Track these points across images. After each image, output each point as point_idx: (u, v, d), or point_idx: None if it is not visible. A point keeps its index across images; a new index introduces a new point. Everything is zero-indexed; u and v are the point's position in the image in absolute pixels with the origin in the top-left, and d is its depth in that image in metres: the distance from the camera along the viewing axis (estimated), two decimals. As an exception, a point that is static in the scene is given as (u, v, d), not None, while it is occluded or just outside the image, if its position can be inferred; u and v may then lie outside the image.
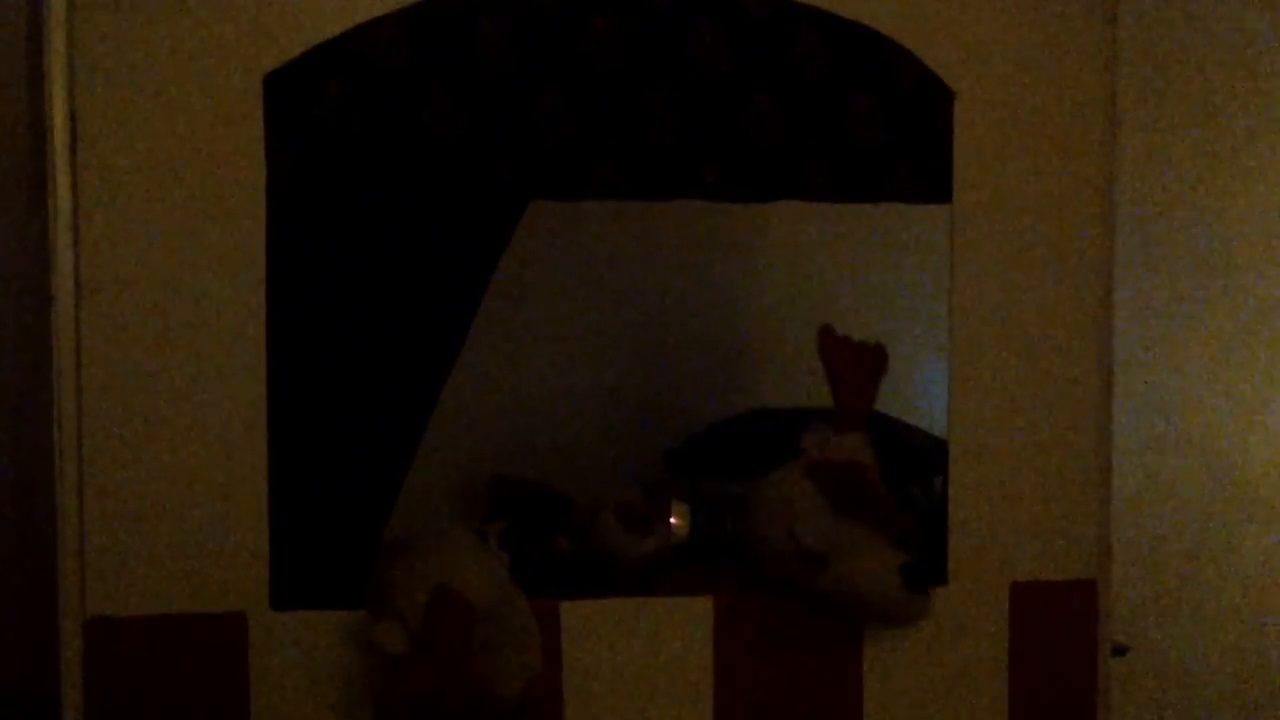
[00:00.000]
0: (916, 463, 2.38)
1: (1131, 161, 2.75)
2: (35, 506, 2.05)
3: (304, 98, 1.96)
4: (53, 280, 1.89)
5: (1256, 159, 2.97)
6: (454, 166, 2.03)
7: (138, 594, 1.90)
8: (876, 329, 2.29)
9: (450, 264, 2.13)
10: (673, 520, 2.26)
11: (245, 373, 1.93)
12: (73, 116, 1.88)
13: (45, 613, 1.92)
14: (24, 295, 2.10)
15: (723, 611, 2.09)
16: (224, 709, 1.93)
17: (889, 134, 2.19)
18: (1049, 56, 2.17)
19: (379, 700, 1.82)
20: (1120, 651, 2.26)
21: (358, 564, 1.97)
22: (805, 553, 2.07)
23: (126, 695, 1.90)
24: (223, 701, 1.93)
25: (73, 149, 1.89)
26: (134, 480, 1.90)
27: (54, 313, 1.89)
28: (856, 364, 2.21)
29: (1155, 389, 2.94)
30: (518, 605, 1.94)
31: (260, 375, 1.93)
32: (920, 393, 2.60)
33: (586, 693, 2.04)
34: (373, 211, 2.08)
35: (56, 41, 1.87)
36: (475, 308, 2.15)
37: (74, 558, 1.89)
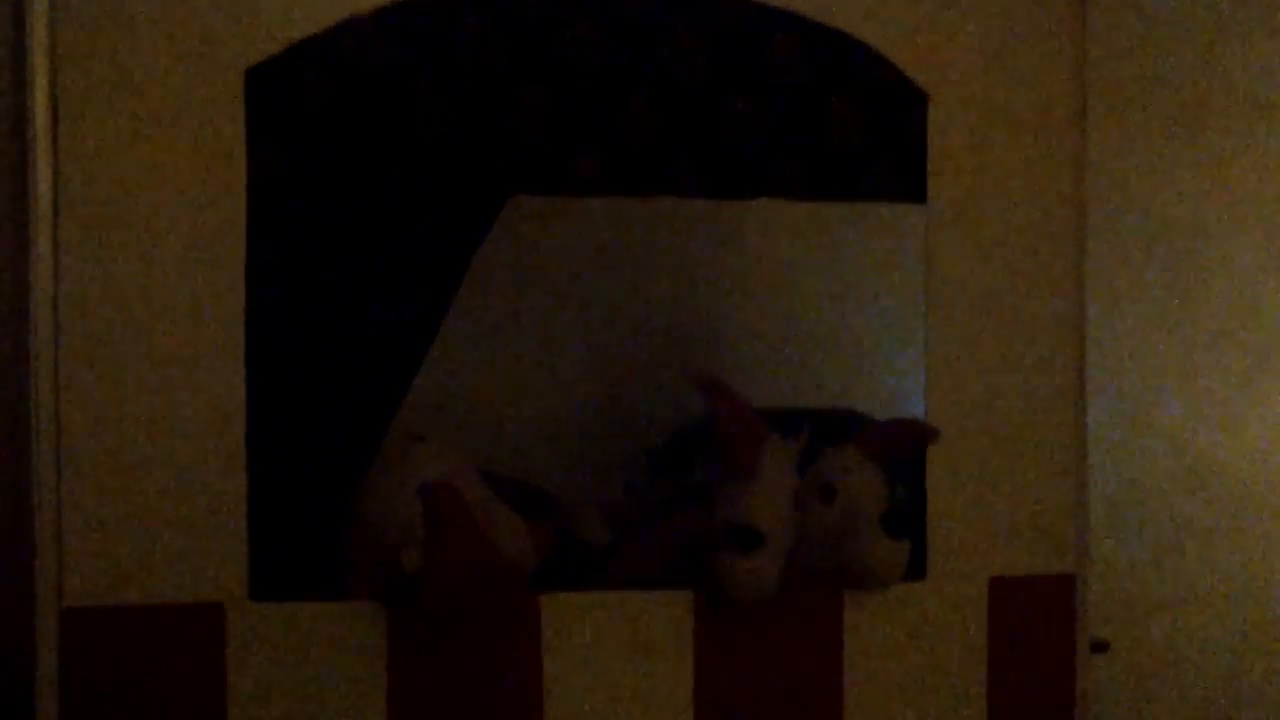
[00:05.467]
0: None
1: (1103, 163, 2.78)
2: (11, 495, 2.03)
3: (286, 93, 1.98)
4: (32, 271, 1.89)
5: (1229, 161, 3.00)
6: (435, 162, 2.05)
7: (115, 584, 1.89)
8: (853, 326, 2.31)
9: (427, 258, 2.14)
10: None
11: (224, 364, 1.93)
12: (54, 110, 1.89)
13: (21, 602, 1.90)
14: (2, 286, 2.09)
15: (703, 604, 2.09)
16: (202, 700, 1.91)
17: (865, 135, 2.22)
18: (1020, 60, 2.21)
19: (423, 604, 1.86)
20: (1101, 648, 2.27)
21: (336, 555, 1.97)
22: (821, 486, 2.11)
23: (103, 686, 1.89)
24: (200, 692, 1.91)
25: (54, 142, 1.89)
26: (112, 470, 1.89)
27: (32, 303, 1.89)
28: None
29: (1130, 389, 2.96)
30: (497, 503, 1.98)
31: (239, 366, 1.93)
32: (897, 390, 2.60)
33: (567, 685, 2.03)
34: (353, 206, 2.09)
35: (39, 34, 1.88)
36: (449, 301, 2.16)
37: (51, 547, 1.87)
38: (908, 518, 2.09)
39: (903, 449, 2.18)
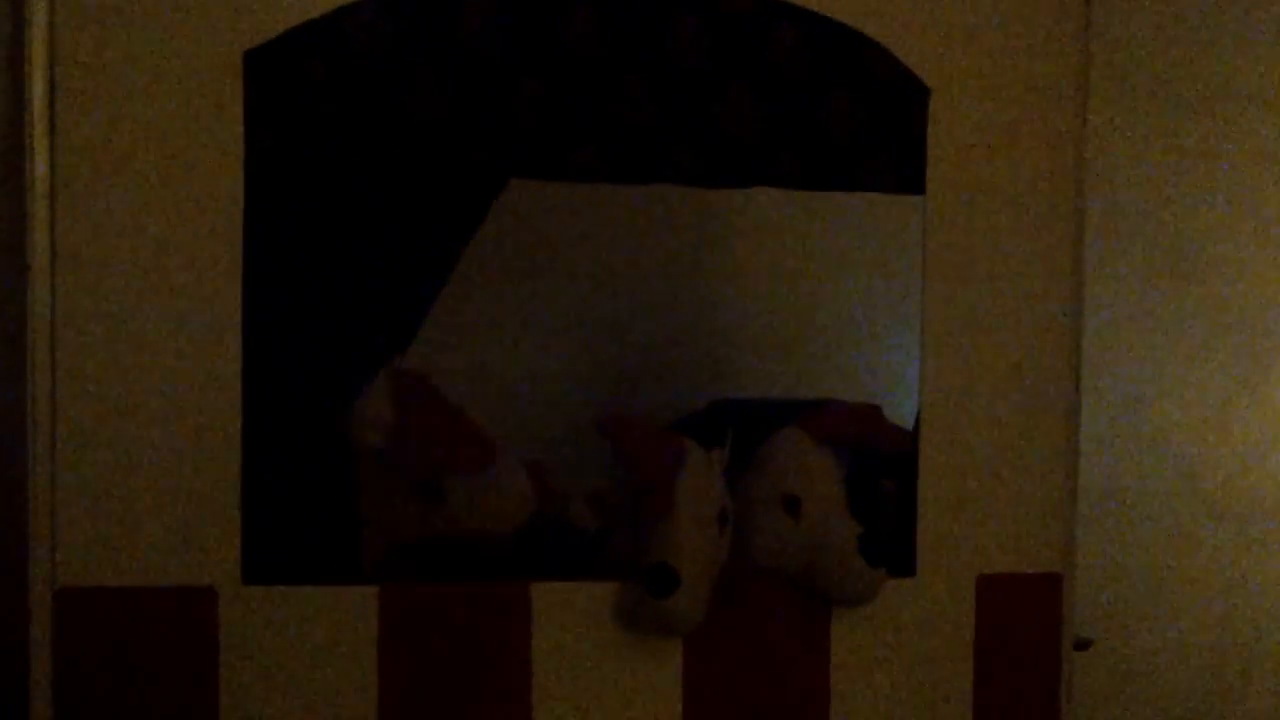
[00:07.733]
0: (885, 456, 2.39)
1: (1101, 161, 2.78)
2: (7, 476, 2.04)
3: (284, 76, 1.97)
4: (29, 251, 1.89)
5: (1226, 161, 3.00)
6: (433, 146, 2.05)
7: (109, 565, 1.90)
8: (847, 320, 2.31)
9: (421, 241, 2.14)
10: None
11: (220, 347, 1.93)
12: (52, 91, 1.89)
13: (16, 582, 1.91)
14: (-1, 265, 2.10)
15: None
16: (193, 682, 1.93)
17: (865, 126, 2.22)
18: (1022, 55, 2.20)
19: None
20: (1083, 645, 2.28)
21: (330, 540, 1.98)
22: (784, 497, 2.10)
23: (96, 667, 1.91)
24: (192, 675, 1.93)
25: (51, 123, 1.89)
26: (106, 452, 1.90)
27: (29, 284, 1.89)
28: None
29: (1122, 388, 2.97)
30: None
31: (235, 349, 1.94)
32: (891, 385, 2.61)
33: (557, 672, 2.05)
34: (351, 190, 2.09)
35: (37, 14, 1.88)
36: (441, 285, 2.16)
37: (45, 528, 1.89)
38: (884, 541, 2.10)
39: (855, 438, 2.19)
